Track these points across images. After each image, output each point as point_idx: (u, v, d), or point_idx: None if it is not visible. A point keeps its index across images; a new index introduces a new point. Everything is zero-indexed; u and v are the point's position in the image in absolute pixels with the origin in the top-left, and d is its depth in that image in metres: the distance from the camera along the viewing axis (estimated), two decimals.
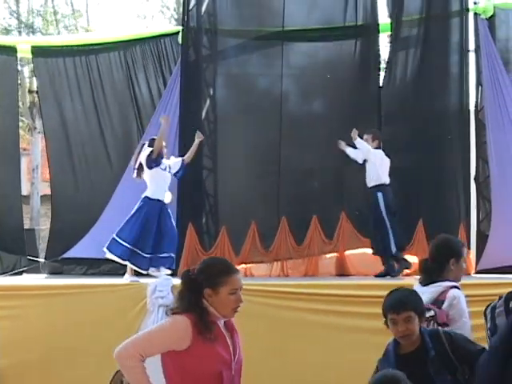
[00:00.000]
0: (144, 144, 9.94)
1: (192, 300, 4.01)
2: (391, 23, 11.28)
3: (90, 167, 12.00)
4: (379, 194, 9.83)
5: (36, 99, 17.37)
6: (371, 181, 9.94)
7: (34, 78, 17.49)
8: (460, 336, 4.54)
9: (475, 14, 11.00)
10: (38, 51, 12.36)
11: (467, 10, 11.00)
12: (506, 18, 11.07)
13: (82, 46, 12.24)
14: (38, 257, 12.44)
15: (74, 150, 12.02)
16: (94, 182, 11.87)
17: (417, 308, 4.49)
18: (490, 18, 11.00)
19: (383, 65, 11.59)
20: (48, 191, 19.66)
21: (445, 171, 10.94)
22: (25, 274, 11.61)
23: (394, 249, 9.77)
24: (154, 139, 9.76)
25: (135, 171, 9.87)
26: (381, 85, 11.26)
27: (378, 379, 3.91)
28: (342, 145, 10.23)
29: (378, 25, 11.29)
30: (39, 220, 18.79)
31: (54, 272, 11.55)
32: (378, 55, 11.37)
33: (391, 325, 4.50)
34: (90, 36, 12.59)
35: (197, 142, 10.24)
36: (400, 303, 4.51)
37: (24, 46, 12.53)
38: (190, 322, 3.96)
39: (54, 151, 12.28)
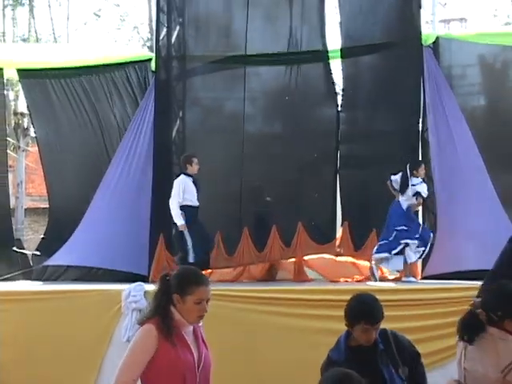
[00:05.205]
0: None
1: (162, 303, 4.23)
2: (342, 49, 11.65)
3: (82, 180, 12.44)
4: None
5: (20, 121, 17.64)
6: None
7: (18, 101, 18.07)
8: (403, 337, 4.78)
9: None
10: (24, 74, 12.74)
11: (415, 37, 11.14)
12: (449, 47, 11.35)
13: (63, 69, 12.53)
14: (29, 263, 12.64)
15: (66, 161, 12.54)
16: (87, 192, 12.07)
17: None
18: (434, 46, 11.28)
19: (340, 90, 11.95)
20: (31, 204, 20.21)
21: None
22: (17, 280, 11.82)
23: None
24: None
25: None
26: (339, 108, 11.62)
27: (331, 376, 3.77)
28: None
29: (327, 52, 11.70)
30: (23, 231, 19.23)
31: (47, 278, 11.77)
32: (332, 80, 11.76)
33: (361, 332, 4.53)
34: (71, 58, 13.10)
35: None
36: (376, 314, 4.57)
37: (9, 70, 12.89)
38: (155, 327, 4.15)
39: (49, 164, 12.82)
